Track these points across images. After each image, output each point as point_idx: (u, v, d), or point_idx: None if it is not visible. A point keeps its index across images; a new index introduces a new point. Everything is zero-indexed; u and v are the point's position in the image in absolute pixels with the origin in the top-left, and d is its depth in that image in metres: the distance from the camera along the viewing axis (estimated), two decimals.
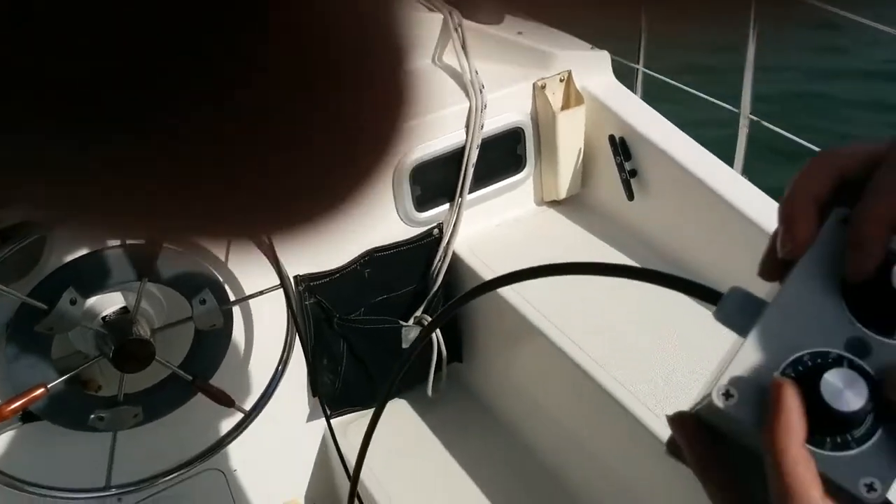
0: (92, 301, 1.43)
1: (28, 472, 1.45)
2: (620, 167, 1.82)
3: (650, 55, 2.20)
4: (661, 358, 1.52)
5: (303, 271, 1.67)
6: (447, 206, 1.83)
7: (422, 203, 1.79)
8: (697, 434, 0.45)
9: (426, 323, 1.82)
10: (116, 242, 1.43)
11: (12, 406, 1.35)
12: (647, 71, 2.20)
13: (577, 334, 1.59)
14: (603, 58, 1.90)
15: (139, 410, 1.51)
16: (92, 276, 1.39)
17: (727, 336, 0.48)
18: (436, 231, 1.84)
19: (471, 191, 1.81)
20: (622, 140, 1.81)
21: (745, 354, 0.43)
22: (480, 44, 1.85)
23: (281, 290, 1.56)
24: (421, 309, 1.84)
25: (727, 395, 0.42)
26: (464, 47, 1.83)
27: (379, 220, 1.76)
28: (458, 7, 1.88)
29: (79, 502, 1.51)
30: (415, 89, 0.19)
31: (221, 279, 1.54)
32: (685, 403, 0.48)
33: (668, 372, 1.49)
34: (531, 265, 0.64)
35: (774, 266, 0.47)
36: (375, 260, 1.78)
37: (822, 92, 4.89)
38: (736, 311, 0.46)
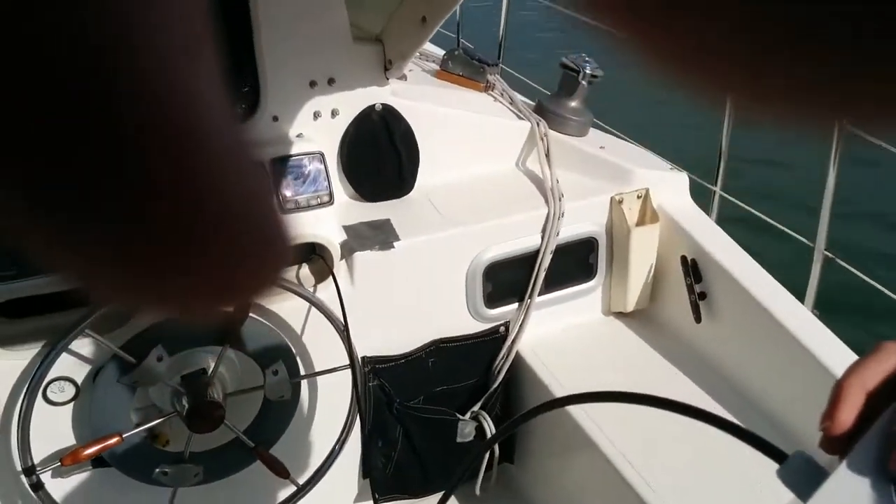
0: (174, 358, 1.52)
1: None
2: (690, 288, 1.84)
3: (729, 176, 2.25)
4: (714, 497, 1.50)
5: (371, 353, 1.73)
6: (516, 305, 1.87)
7: (492, 300, 1.84)
8: None
9: (483, 419, 1.84)
10: None
11: (88, 451, 1.43)
12: (723, 194, 2.24)
13: (634, 456, 1.58)
14: (681, 178, 1.95)
15: (200, 470, 1.56)
16: (180, 337, 1.48)
17: (784, 492, 0.51)
18: (502, 329, 1.88)
19: (540, 293, 1.86)
20: (693, 262, 1.85)
21: None
22: (563, 154, 1.94)
23: (349, 371, 1.62)
24: (479, 404, 1.86)
25: None
26: (547, 156, 1.92)
27: (449, 312, 1.82)
28: (545, 118, 1.99)
29: None
30: (285, 242, 0.23)
31: (295, 352, 1.61)
32: None
33: None
34: (599, 383, 0.68)
35: (833, 442, 0.50)
36: (441, 350, 1.82)
37: None
38: (798, 475, 0.50)
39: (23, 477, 1.43)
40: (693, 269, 1.84)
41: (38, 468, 1.41)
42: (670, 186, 1.93)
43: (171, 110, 0.18)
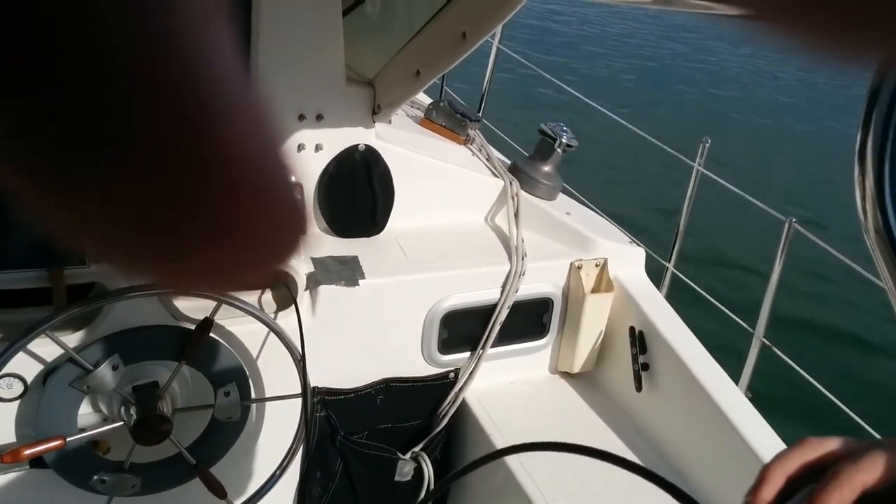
0: (129, 368, 1.53)
1: None
2: (635, 358, 1.93)
3: (682, 257, 2.37)
4: None
5: (321, 384, 1.77)
6: (468, 354, 1.94)
7: (446, 346, 1.90)
8: None
9: (422, 460, 1.89)
10: (169, 322, 1.55)
11: (29, 451, 1.43)
12: (675, 272, 2.35)
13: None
14: (638, 253, 2.06)
15: (139, 482, 1.57)
16: (137, 349, 1.50)
17: None
18: (452, 375, 1.94)
19: (493, 346, 1.92)
20: (641, 333, 1.94)
21: None
22: (531, 215, 2.03)
23: (299, 400, 1.65)
24: (421, 445, 1.91)
25: None
26: (516, 215, 2.01)
27: (403, 353, 1.87)
28: (518, 178, 2.08)
29: None
30: (300, 213, 0.22)
31: (248, 375, 1.64)
32: None
33: None
34: (539, 437, 0.73)
35: None
36: (390, 389, 1.87)
37: (838, 326, 5.00)
38: None
39: None
40: (640, 340, 1.93)
41: None
42: (627, 259, 2.03)
43: (183, 65, 0.18)
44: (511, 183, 2.05)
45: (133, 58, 0.17)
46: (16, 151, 0.18)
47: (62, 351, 1.45)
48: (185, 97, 0.18)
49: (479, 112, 3.42)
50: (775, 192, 6.04)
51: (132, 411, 1.49)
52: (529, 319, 1.99)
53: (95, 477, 1.53)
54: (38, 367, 1.50)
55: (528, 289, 1.92)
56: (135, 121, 0.17)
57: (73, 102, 0.17)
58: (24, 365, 1.48)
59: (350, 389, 1.82)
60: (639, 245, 2.08)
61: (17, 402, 1.50)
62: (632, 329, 1.95)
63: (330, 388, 1.79)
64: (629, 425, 1.93)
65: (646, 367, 1.93)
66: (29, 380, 1.49)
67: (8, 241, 1.44)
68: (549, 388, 2.04)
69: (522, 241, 1.95)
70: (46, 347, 1.48)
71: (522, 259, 1.90)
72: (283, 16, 1.63)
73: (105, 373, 1.45)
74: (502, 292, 1.89)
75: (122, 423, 1.50)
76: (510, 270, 1.89)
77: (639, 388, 1.92)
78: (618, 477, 1.48)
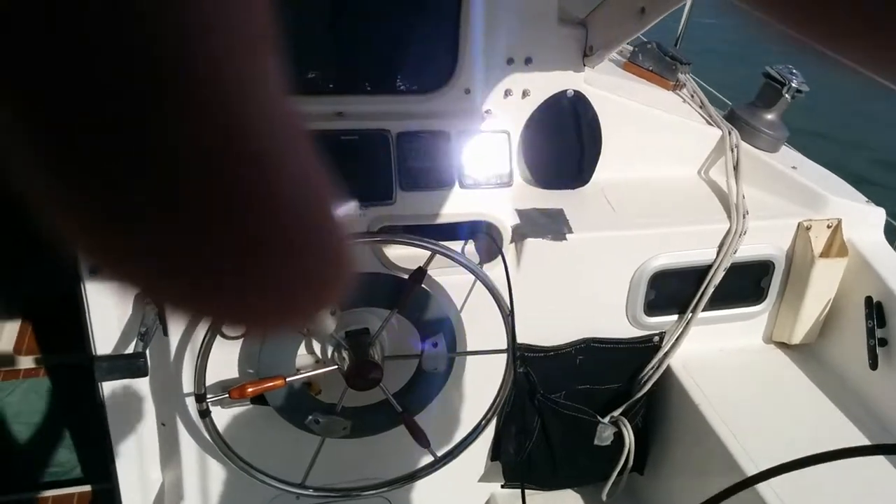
0: (343, 314, 1.55)
1: (241, 447, 1.58)
2: (871, 332, 1.72)
3: None
4: None
5: (522, 340, 1.71)
6: (676, 317, 1.80)
7: (652, 308, 1.78)
8: None
9: (623, 425, 1.80)
10: (380, 269, 1.55)
11: (254, 389, 1.49)
12: None
13: (784, 490, 1.50)
14: (877, 214, 1.81)
15: (348, 425, 1.60)
16: (355, 294, 1.50)
17: None
18: (656, 338, 1.82)
19: (704, 309, 1.78)
20: (879, 305, 1.71)
21: None
22: (752, 169, 1.83)
23: (503, 355, 1.61)
24: (621, 410, 1.82)
25: None
26: (736, 168, 1.82)
27: (606, 313, 1.77)
28: (737, 127, 1.88)
29: (271, 489, 1.62)
30: (348, 274, 0.21)
31: (455, 329, 1.61)
32: None
33: None
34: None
35: None
36: (591, 349, 1.78)
37: None
38: None
39: (192, 401, 1.50)
40: (877, 312, 1.71)
41: (208, 396, 1.48)
42: (865, 220, 1.79)
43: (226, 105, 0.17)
44: (730, 133, 1.86)
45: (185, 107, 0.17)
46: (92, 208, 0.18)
47: None
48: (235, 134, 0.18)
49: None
50: None
51: (345, 356, 1.51)
52: (745, 283, 1.82)
53: (310, 417, 1.58)
54: None
55: (746, 250, 1.75)
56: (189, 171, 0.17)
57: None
58: None
59: (550, 347, 1.76)
60: (877, 206, 1.83)
61: (240, 340, 1.56)
62: (868, 299, 1.73)
63: (530, 345, 1.73)
64: (859, 406, 1.73)
65: (884, 342, 1.71)
66: None
67: None
68: (762, 359, 1.87)
69: (743, 197, 1.77)
70: None
71: (744, 217, 1.73)
72: None
73: (324, 317, 1.47)
74: (718, 253, 1.73)
75: (335, 367, 1.52)
76: (729, 229, 1.72)
77: (873, 365, 1.71)
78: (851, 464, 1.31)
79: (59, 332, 2.14)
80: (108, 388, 1.62)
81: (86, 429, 2.05)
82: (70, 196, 0.18)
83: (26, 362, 2.42)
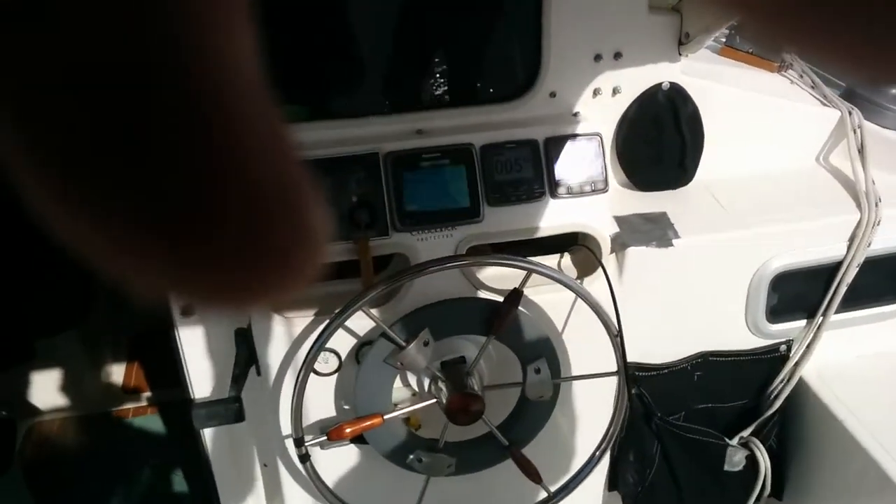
0: (437, 344, 1.46)
1: (344, 488, 1.51)
2: None
3: None
4: None
5: (631, 358, 1.57)
6: (804, 322, 1.62)
7: (775, 314, 1.60)
8: None
9: (755, 447, 1.62)
10: (470, 293, 1.45)
11: (352, 429, 1.41)
12: None
13: None
14: None
15: (453, 462, 1.50)
16: (447, 323, 1.41)
17: None
18: (783, 347, 1.64)
19: (837, 311, 1.59)
20: None
21: None
22: (880, 151, 1.63)
23: (613, 378, 1.47)
24: (750, 430, 1.64)
25: None
26: (861, 151, 1.63)
27: (723, 323, 1.61)
28: (857, 106, 1.68)
29: None
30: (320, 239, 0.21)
31: (558, 352, 1.49)
32: None
33: None
34: None
35: None
36: (709, 364, 1.62)
37: None
38: None
39: (291, 443, 1.44)
40: None
41: (306, 439, 1.41)
42: None
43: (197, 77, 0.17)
44: (850, 112, 1.66)
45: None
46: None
47: (372, 325, 1.41)
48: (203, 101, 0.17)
49: None
50: None
51: (442, 387, 1.42)
52: (883, 279, 1.62)
53: (412, 456, 1.49)
54: (350, 342, 1.47)
55: (883, 242, 1.55)
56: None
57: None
58: (336, 340, 1.46)
59: (663, 365, 1.61)
60: None
61: (334, 376, 1.49)
62: None
63: (640, 364, 1.59)
64: None
65: None
66: (343, 355, 1.47)
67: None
68: None
69: (873, 182, 1.57)
70: (357, 322, 1.44)
71: (876, 205, 1.53)
72: None
73: (417, 349, 1.38)
74: (849, 247, 1.54)
75: (434, 400, 1.43)
76: (860, 220, 1.53)
77: None
78: None
79: (163, 369, 2.17)
80: (208, 430, 1.59)
81: (197, 463, 2.06)
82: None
83: (133, 399, 2.46)
